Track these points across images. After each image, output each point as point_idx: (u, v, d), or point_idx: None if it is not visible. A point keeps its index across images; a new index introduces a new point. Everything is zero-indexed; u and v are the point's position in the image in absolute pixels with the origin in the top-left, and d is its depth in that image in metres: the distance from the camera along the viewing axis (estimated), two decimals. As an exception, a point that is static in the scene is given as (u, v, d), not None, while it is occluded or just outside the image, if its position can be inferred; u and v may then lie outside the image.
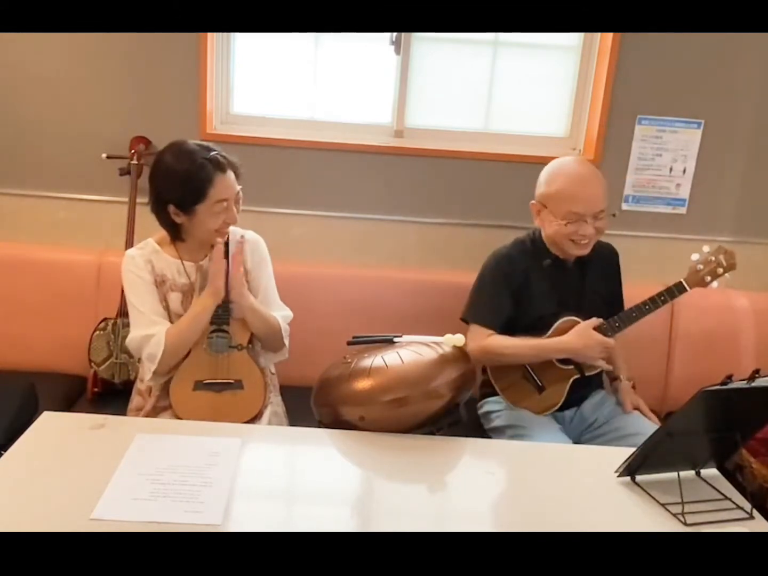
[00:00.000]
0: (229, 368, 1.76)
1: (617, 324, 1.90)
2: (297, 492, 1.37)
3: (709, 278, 1.90)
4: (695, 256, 1.93)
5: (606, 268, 2.07)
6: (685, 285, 1.90)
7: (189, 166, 1.65)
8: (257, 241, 1.89)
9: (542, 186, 1.94)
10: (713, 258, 1.91)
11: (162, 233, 1.80)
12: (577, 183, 1.87)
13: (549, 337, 1.92)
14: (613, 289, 2.08)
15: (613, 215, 1.94)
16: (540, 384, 1.95)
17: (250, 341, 1.80)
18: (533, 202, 1.97)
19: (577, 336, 1.86)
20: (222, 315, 1.74)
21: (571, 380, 1.95)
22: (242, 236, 1.86)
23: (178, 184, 1.66)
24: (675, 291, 1.90)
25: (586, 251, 1.93)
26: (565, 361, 1.93)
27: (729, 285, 2.60)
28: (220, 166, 1.68)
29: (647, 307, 1.90)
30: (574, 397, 1.98)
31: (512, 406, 1.97)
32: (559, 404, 1.95)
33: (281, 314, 1.87)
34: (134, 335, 1.74)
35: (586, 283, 2.00)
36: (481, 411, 2.10)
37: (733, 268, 1.91)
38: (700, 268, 1.91)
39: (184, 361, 1.75)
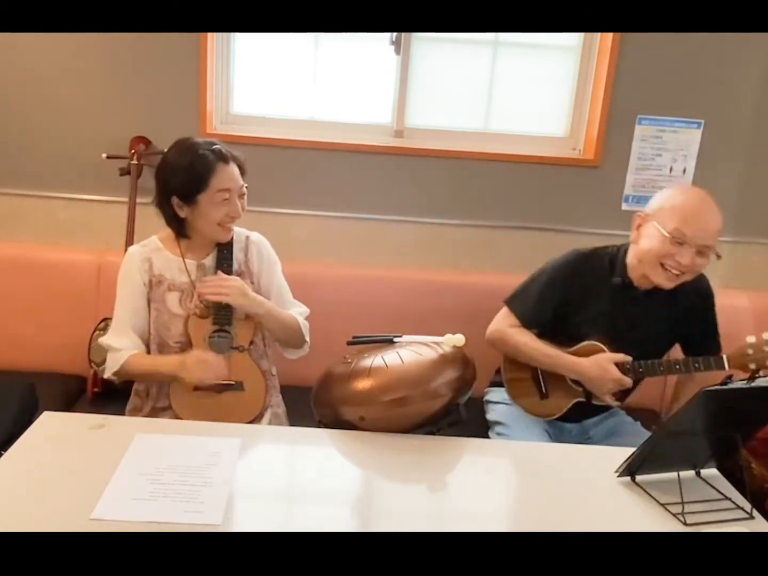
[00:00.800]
0: (230, 369, 1.75)
1: (641, 369, 1.81)
2: (297, 492, 1.37)
3: (753, 366, 1.73)
4: (751, 339, 1.74)
5: (680, 309, 1.89)
6: (725, 363, 1.76)
7: (191, 158, 1.68)
8: (262, 243, 1.89)
9: (659, 200, 1.82)
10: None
11: (167, 231, 1.80)
12: (697, 208, 1.76)
13: (569, 353, 1.88)
14: (679, 330, 1.93)
15: (718, 257, 1.78)
16: (544, 391, 1.94)
17: (251, 342, 1.80)
18: (639, 213, 1.85)
19: (594, 364, 1.81)
20: (224, 315, 1.74)
21: (575, 401, 1.92)
22: (247, 236, 1.86)
23: (181, 173, 1.68)
24: (712, 364, 1.77)
25: (670, 285, 1.79)
26: (578, 381, 1.89)
27: (729, 285, 2.62)
28: (222, 156, 1.70)
29: (678, 367, 1.80)
30: (575, 416, 1.96)
31: (511, 400, 1.98)
32: (555, 417, 1.94)
33: (298, 311, 1.88)
34: (104, 340, 1.79)
35: (646, 317, 1.89)
36: (485, 397, 2.11)
37: None
38: (750, 353, 1.73)
39: (186, 360, 1.75)
